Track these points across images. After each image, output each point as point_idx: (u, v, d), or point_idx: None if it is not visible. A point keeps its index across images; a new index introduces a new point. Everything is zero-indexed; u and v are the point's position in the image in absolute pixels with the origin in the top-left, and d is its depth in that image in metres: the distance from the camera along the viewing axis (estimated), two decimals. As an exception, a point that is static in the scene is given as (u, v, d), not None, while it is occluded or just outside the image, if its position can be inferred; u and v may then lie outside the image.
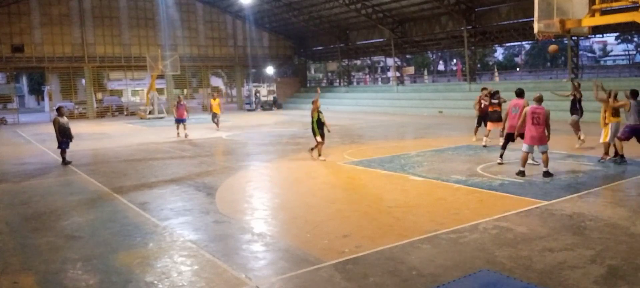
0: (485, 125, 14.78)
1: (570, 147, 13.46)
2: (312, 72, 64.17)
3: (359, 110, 33.19)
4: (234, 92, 48.85)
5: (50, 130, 15.03)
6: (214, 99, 23.29)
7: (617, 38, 63.79)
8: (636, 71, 44.79)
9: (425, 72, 59.17)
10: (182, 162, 13.94)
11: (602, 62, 72.97)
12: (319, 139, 12.87)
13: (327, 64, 48.94)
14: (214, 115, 22.92)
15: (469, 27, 29.38)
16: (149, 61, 34.35)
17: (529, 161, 10.66)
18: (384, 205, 8.24)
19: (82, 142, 18.22)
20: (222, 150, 16.68)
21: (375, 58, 61.87)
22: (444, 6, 29.28)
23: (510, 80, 44.58)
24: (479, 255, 5.68)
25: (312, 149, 13.27)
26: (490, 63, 67.42)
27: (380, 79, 67.48)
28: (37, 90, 64.65)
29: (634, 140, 10.85)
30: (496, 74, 49.56)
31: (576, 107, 13.85)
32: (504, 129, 12.14)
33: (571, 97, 14.04)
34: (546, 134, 9.82)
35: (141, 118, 33.82)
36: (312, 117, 12.86)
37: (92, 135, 22.46)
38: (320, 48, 43.81)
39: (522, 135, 10.27)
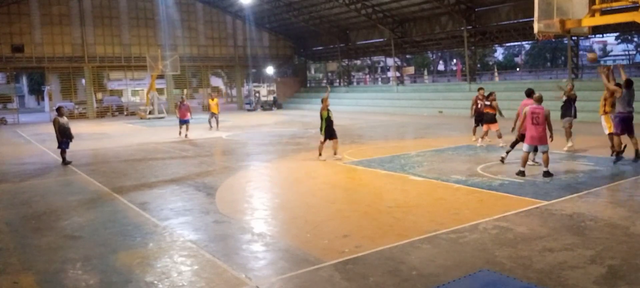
0: (482, 126, 14.77)
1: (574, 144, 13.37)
2: (312, 72, 64.17)
3: (359, 110, 33.20)
4: (234, 92, 48.84)
5: (50, 130, 15.03)
6: (212, 99, 23.28)
7: (617, 38, 63.76)
8: (636, 71, 44.74)
9: (425, 72, 59.18)
10: (182, 162, 13.94)
11: (602, 62, 72.91)
12: (322, 138, 12.87)
13: (327, 64, 48.93)
14: (212, 115, 22.88)
15: (469, 27, 29.39)
16: (149, 61, 34.36)
17: (529, 162, 10.65)
18: (384, 205, 8.24)
19: (82, 142, 18.23)
20: (222, 150, 16.68)
21: (375, 58, 61.88)
22: (444, 6, 29.29)
23: (510, 80, 44.58)
24: (479, 255, 5.69)
25: (320, 150, 13.09)
26: (490, 63, 67.40)
27: (380, 79, 67.49)
28: (37, 90, 64.68)
29: (633, 139, 10.85)
30: (496, 74, 49.57)
31: (570, 109, 13.16)
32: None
33: (564, 98, 13.31)
34: (547, 133, 9.82)
35: (141, 118, 33.82)
36: (322, 116, 12.83)
37: (92, 135, 22.47)
38: (320, 48, 43.81)
39: (523, 137, 10.28)
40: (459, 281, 5.00)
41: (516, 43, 49.36)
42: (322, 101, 13.00)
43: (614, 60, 70.19)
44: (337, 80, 45.73)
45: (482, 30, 29.71)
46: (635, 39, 63.41)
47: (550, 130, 9.88)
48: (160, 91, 40.88)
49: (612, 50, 79.02)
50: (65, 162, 13.83)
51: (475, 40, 30.40)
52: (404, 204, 8.29)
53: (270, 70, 45.18)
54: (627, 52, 69.19)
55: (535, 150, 10.15)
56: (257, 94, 41.46)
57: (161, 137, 20.94)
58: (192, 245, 6.53)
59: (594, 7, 10.82)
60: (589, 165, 10.96)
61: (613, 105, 11.18)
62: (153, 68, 34.07)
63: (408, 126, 22.50)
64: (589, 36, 29.62)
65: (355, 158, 13.19)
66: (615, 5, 10.79)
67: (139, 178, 11.63)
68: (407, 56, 46.35)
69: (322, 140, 12.90)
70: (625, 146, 10.91)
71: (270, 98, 41.18)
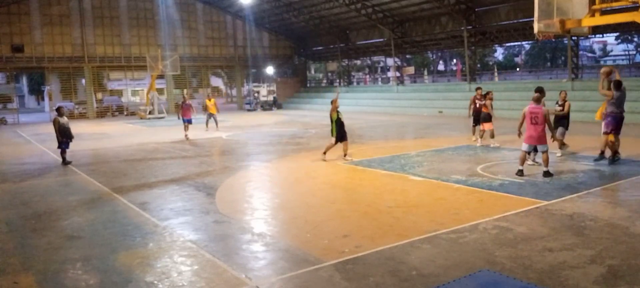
0: (480, 125, 14.78)
1: (570, 148, 13.40)
2: (312, 72, 64.19)
3: (359, 110, 33.15)
4: (234, 92, 48.85)
5: (50, 130, 15.03)
6: (209, 99, 22.75)
7: (617, 38, 63.79)
8: (636, 71, 44.79)
9: (425, 72, 59.17)
10: (182, 162, 13.94)
11: (602, 62, 72.95)
12: (332, 140, 12.85)
13: (327, 64, 48.96)
14: (210, 116, 22.42)
15: (469, 27, 29.38)
16: (149, 61, 34.36)
17: (529, 162, 10.66)
18: (384, 205, 8.24)
19: (82, 142, 18.22)
20: (222, 150, 16.68)
21: (375, 58, 61.88)
22: (444, 6, 29.28)
23: (510, 80, 44.58)
24: (479, 255, 5.69)
25: (327, 150, 13.05)
26: (490, 63, 67.41)
27: (380, 79, 67.48)
28: (37, 90, 64.67)
29: (633, 140, 10.86)
30: (496, 74, 49.56)
31: (565, 119, 12.57)
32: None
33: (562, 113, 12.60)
34: (546, 133, 9.82)
35: (141, 118, 33.82)
36: (332, 117, 12.80)
37: (92, 135, 22.46)
38: (320, 48, 43.80)
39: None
40: (459, 281, 5.00)
41: (516, 43, 49.40)
42: (331, 103, 12.95)
43: (614, 61, 70.28)
44: (337, 80, 45.74)
45: (482, 30, 29.70)
46: (635, 39, 63.43)
47: (551, 129, 9.87)
48: (160, 91, 40.88)
49: (612, 50, 79.06)
50: (65, 162, 13.83)
51: (475, 40, 30.39)
52: (404, 204, 8.29)
53: (270, 70, 45.18)
54: (627, 52, 69.21)
55: (535, 150, 10.16)
56: (257, 94, 41.46)
57: (161, 137, 20.93)
58: (192, 245, 6.54)
59: (594, 7, 10.83)
60: (589, 165, 10.96)
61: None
62: (153, 68, 34.07)
63: (408, 126, 22.50)
64: (589, 36, 29.67)
65: (355, 158, 13.19)
66: (615, 5, 10.79)
67: (139, 178, 11.63)
68: (407, 56, 46.37)
69: (333, 142, 12.87)
70: (618, 149, 10.89)
71: (270, 98, 41.19)
